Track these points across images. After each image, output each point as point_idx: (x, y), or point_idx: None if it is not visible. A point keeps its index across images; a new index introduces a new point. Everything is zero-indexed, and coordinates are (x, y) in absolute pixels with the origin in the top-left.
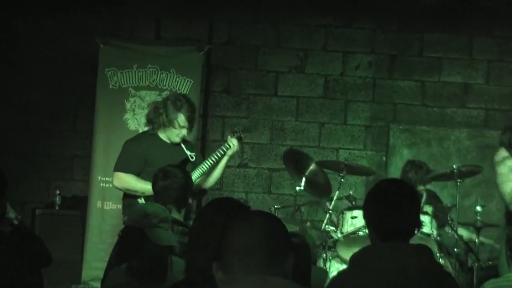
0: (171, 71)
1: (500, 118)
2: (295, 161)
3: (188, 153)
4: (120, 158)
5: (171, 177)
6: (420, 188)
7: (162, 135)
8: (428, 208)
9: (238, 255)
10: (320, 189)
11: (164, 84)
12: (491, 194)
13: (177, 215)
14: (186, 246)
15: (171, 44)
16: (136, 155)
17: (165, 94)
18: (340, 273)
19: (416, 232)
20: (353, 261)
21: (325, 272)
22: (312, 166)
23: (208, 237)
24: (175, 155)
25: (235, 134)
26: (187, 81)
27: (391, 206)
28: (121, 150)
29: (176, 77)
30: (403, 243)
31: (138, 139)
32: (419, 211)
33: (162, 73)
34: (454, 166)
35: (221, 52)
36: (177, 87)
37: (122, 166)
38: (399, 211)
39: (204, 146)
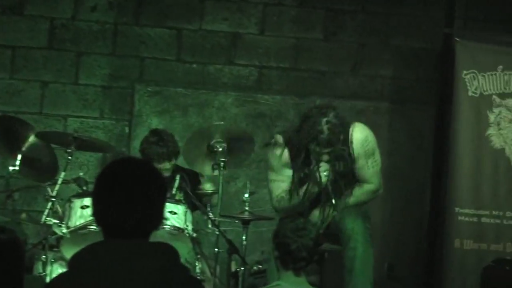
0: None
1: (277, 79)
2: (7, 132)
3: None
4: None
5: None
6: (165, 166)
7: None
8: (180, 195)
9: None
10: (42, 170)
11: None
12: (264, 178)
13: None
14: None
15: None
16: None
17: None
18: (56, 278)
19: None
20: (73, 262)
21: (42, 282)
22: (31, 139)
23: None
24: None
25: None
26: None
27: (119, 194)
28: None
29: None
30: (137, 240)
31: None
32: (161, 200)
33: None
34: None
35: None
36: None
37: None
38: (130, 201)
39: None
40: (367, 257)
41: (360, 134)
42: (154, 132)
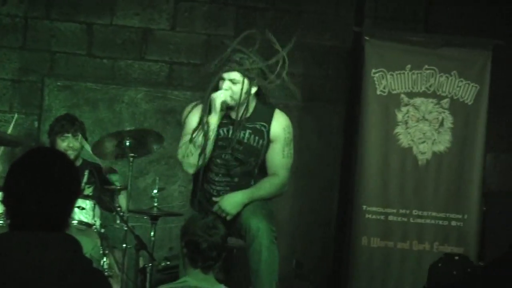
0: None
1: (188, 74)
2: None
3: None
4: None
5: None
6: (69, 142)
7: None
8: (89, 190)
9: None
10: None
11: None
12: (173, 174)
13: None
14: None
15: None
16: None
17: None
18: None
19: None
20: None
21: None
22: None
23: None
24: None
25: None
26: None
27: (25, 185)
28: None
29: None
30: (38, 233)
31: None
32: (70, 191)
33: None
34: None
35: None
36: None
37: None
38: (36, 192)
39: None
40: (272, 259)
41: (284, 119)
42: (63, 114)
